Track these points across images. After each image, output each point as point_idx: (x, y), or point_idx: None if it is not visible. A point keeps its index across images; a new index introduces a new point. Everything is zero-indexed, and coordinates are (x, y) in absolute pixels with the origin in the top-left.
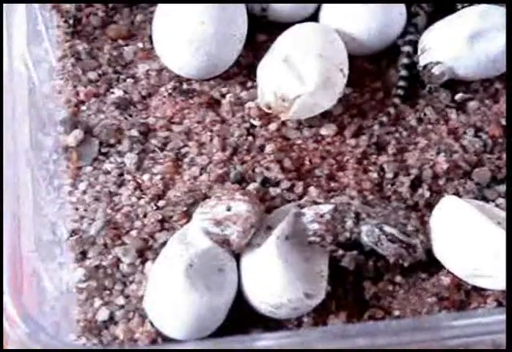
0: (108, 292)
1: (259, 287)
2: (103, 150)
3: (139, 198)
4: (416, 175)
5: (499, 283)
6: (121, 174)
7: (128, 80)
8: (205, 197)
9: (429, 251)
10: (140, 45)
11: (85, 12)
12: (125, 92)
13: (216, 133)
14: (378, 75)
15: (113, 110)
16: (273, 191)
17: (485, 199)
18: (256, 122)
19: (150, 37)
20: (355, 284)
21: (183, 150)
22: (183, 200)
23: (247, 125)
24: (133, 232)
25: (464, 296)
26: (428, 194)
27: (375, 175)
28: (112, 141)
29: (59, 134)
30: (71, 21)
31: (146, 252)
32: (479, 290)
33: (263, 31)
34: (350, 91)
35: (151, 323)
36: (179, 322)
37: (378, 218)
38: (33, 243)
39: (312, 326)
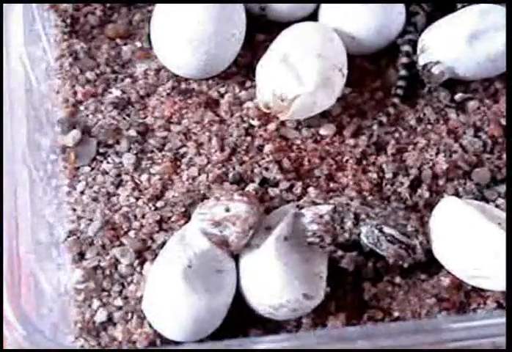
0: (106, 293)
1: (258, 288)
2: (101, 150)
3: (137, 198)
4: (415, 175)
5: (499, 284)
6: (119, 175)
7: (126, 80)
8: (204, 198)
9: (429, 252)
10: (138, 44)
11: (83, 11)
12: (123, 91)
13: (215, 133)
14: (378, 75)
15: (111, 110)
16: (272, 191)
17: (485, 200)
18: (255, 122)
19: (149, 37)
20: (354, 285)
21: (182, 150)
22: (181, 201)
23: (246, 125)
24: (132, 233)
25: (464, 297)
26: (427, 195)
27: (374, 175)
28: (110, 141)
29: (56, 134)
30: (69, 20)
31: (144, 253)
32: (479, 291)
33: (262, 31)
34: (349, 91)
35: (149, 325)
36: (177, 323)
37: (378, 218)
38: (30, 244)
39: (311, 327)
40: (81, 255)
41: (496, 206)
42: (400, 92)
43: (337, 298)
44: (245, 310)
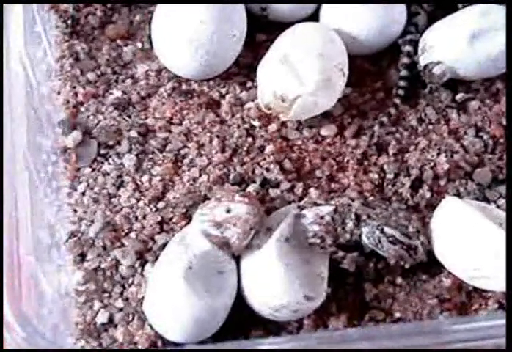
0: (107, 294)
1: (259, 289)
2: (102, 152)
3: (138, 199)
4: (416, 176)
5: (500, 284)
6: (120, 176)
7: (127, 80)
8: (205, 199)
9: (430, 253)
10: (139, 45)
11: (83, 12)
12: (124, 92)
13: (216, 134)
14: (379, 75)
15: (112, 111)
16: (273, 192)
17: (487, 200)
18: (256, 123)
19: (149, 37)
20: (355, 286)
21: (183, 151)
22: (182, 202)
23: (247, 125)
24: (133, 234)
25: (465, 298)
26: (428, 195)
27: (375, 176)
28: (111, 142)
29: (57, 135)
30: (69, 21)
31: (145, 254)
32: (480, 292)
33: (263, 31)
34: (350, 91)
35: (150, 326)
36: (178, 325)
37: (379, 219)
38: (31, 245)
39: (313, 328)
40: (82, 256)
41: (498, 206)
42: (401, 92)
43: (338, 298)
44: (246, 311)
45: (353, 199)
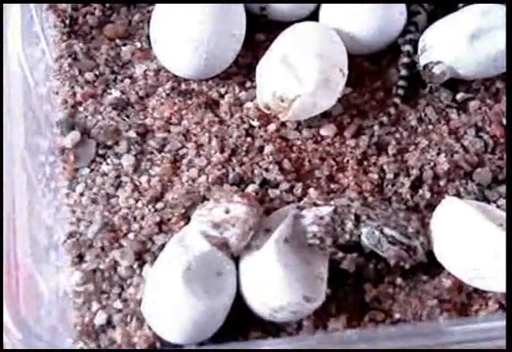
0: (105, 295)
1: (258, 290)
2: (100, 152)
3: (137, 200)
4: (416, 176)
5: (500, 285)
6: (118, 176)
7: (126, 80)
8: (204, 199)
9: (430, 253)
10: (138, 44)
11: (82, 11)
12: (123, 92)
13: (215, 134)
14: (378, 75)
15: (110, 111)
16: (273, 192)
17: (487, 200)
18: (255, 123)
19: (148, 37)
20: (355, 286)
21: (181, 152)
22: (181, 202)
23: (246, 125)
24: (131, 235)
25: (465, 298)
26: (428, 195)
27: (375, 176)
28: (109, 142)
29: (55, 136)
30: (67, 21)
31: (144, 255)
32: (480, 292)
33: (262, 31)
34: (349, 91)
35: (149, 327)
36: (177, 326)
37: (379, 220)
38: (29, 246)
39: (312, 329)
40: (80, 257)
41: (498, 206)
42: (401, 92)
43: (338, 299)
44: (245, 312)
45: (352, 200)
